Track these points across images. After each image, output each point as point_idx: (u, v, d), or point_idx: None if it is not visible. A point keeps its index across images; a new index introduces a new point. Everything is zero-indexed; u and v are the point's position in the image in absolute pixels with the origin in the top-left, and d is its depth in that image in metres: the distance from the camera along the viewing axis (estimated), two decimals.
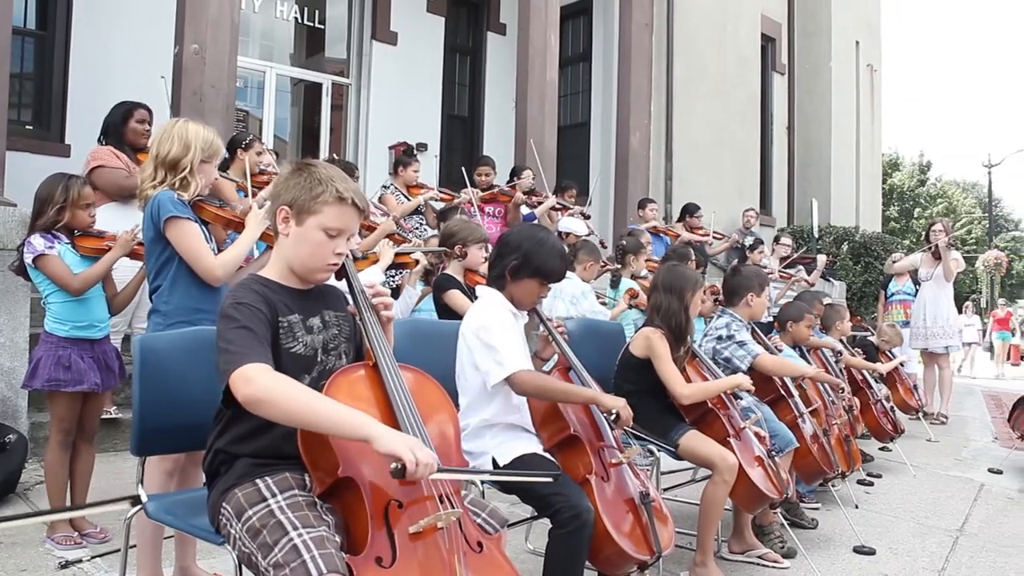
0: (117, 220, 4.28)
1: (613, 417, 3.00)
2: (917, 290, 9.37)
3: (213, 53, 6.83)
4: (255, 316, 2.07)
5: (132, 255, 3.78)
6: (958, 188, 48.91)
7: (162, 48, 7.21)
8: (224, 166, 5.41)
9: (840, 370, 6.15)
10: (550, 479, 2.48)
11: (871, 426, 6.59)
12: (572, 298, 5.62)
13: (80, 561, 3.52)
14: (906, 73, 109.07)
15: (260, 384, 1.91)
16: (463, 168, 8.17)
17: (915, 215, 44.12)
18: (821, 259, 10.56)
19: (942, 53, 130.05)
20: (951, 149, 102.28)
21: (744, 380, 3.86)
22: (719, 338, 4.51)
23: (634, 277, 6.53)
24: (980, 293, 34.92)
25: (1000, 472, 6.54)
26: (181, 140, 3.21)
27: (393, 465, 1.83)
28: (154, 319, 3.21)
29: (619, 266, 6.70)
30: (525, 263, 3.06)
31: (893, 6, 71.31)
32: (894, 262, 9.92)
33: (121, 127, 5.20)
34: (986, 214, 40.49)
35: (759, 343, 4.68)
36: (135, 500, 2.42)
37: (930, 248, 8.96)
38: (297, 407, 1.90)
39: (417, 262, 4.93)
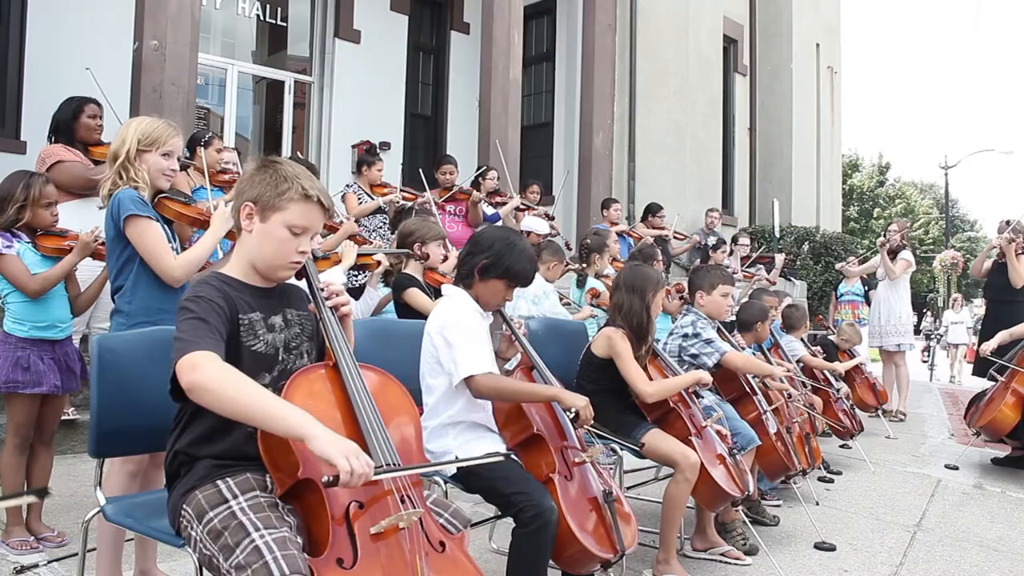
0: (77, 217, 4.21)
1: (572, 415, 3.02)
2: (865, 291, 9.67)
3: (173, 49, 6.75)
4: (211, 309, 2.06)
5: (95, 255, 3.72)
6: (916, 189, 49.59)
7: (122, 44, 7.10)
8: (183, 165, 5.32)
9: (799, 368, 6.22)
10: (500, 458, 2.43)
11: (832, 424, 6.67)
12: (534, 298, 5.61)
13: (36, 566, 3.45)
14: (865, 73, 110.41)
15: (204, 372, 1.89)
16: (420, 170, 8.12)
17: (874, 215, 44.76)
18: (779, 258, 10.81)
19: (901, 54, 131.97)
20: (909, 151, 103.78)
21: (704, 376, 3.89)
22: (685, 336, 4.54)
23: (598, 276, 6.53)
24: (937, 293, 35.42)
25: (956, 468, 6.64)
26: (120, 135, 3.20)
27: (325, 477, 1.81)
28: (116, 319, 3.17)
29: (584, 265, 6.69)
30: (495, 263, 3.07)
31: (853, 9, 72.21)
32: (845, 268, 10.15)
33: (72, 123, 5.11)
34: (943, 215, 41.10)
35: (725, 341, 4.72)
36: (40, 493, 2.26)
37: (885, 247, 9.09)
38: (237, 398, 1.87)
39: (379, 263, 4.91)
